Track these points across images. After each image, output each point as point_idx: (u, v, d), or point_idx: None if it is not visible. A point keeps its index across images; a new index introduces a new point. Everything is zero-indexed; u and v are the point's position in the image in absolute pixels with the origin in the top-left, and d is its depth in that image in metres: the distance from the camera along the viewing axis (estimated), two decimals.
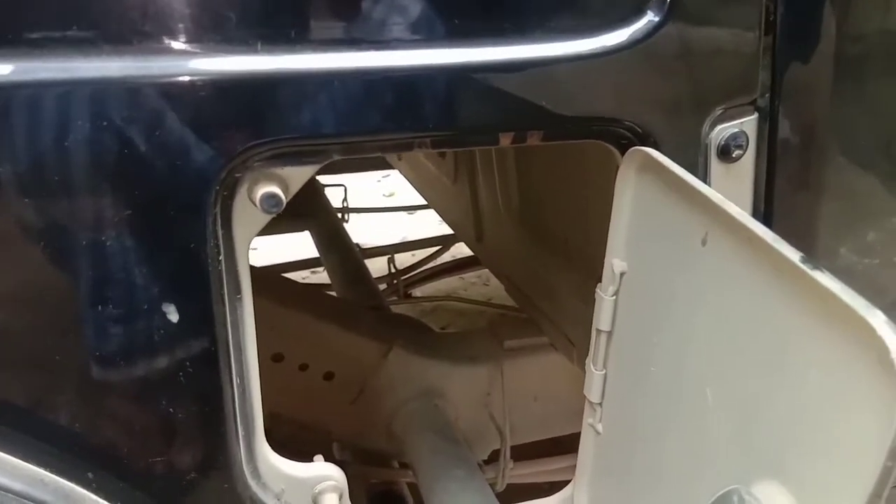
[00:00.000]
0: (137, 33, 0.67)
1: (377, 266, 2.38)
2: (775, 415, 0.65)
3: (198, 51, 0.68)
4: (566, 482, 1.07)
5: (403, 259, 2.53)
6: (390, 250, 2.47)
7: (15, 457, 0.74)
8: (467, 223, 1.76)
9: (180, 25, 0.68)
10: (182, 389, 0.78)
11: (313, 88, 0.72)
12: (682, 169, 0.77)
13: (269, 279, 1.70)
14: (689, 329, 0.77)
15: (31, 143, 0.67)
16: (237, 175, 0.73)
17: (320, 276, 2.68)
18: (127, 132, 0.68)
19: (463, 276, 2.77)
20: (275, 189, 0.74)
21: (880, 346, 0.52)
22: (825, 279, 0.57)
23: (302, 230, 2.32)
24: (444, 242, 2.58)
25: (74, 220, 0.70)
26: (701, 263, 0.74)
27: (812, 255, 1.00)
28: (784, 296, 0.62)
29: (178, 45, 0.68)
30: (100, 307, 0.73)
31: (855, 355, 0.55)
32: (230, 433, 0.81)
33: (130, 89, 0.67)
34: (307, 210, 2.26)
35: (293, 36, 0.71)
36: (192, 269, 0.74)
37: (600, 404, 0.95)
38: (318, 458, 0.91)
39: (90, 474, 0.77)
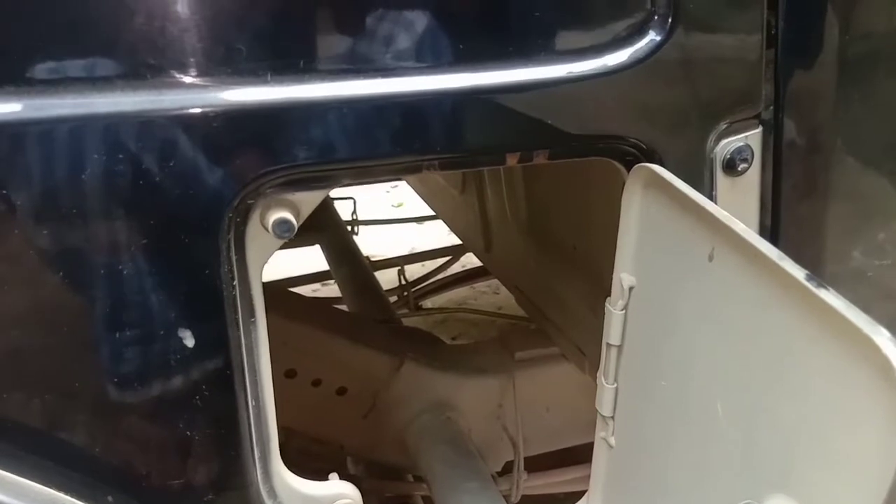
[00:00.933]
0: (150, 68, 0.68)
1: (387, 278, 2.39)
2: (783, 428, 0.66)
3: (210, 83, 0.70)
4: (581, 493, 1.07)
5: (413, 270, 2.55)
6: (400, 262, 2.48)
7: (34, 481, 0.76)
8: (476, 234, 1.77)
9: (192, 59, 0.69)
10: (198, 412, 0.79)
11: (323, 116, 0.74)
12: (688, 186, 0.78)
13: (282, 295, 1.72)
14: (696, 343, 0.78)
15: (50, 176, 0.69)
16: (250, 202, 0.75)
17: (331, 288, 2.69)
18: (142, 164, 0.70)
19: (473, 285, 2.78)
20: (287, 215, 0.75)
21: (884, 364, 0.53)
22: (829, 297, 0.58)
23: (312, 244, 2.34)
24: (453, 253, 2.59)
25: (93, 250, 0.72)
26: (708, 279, 0.75)
27: (821, 264, 1.01)
28: (789, 312, 0.63)
29: (190, 78, 0.70)
30: (117, 333, 0.75)
31: (859, 372, 0.56)
32: (246, 454, 0.82)
33: (145, 123, 0.69)
34: (317, 224, 2.27)
35: (302, 66, 0.72)
36: (207, 294, 0.76)
37: (612, 418, 0.95)
38: (333, 475, 0.92)
39: (109, 497, 0.79)
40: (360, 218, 2.45)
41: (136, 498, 0.79)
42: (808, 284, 0.59)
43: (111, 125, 0.68)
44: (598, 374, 0.96)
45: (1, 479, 0.74)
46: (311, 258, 2.44)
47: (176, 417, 0.79)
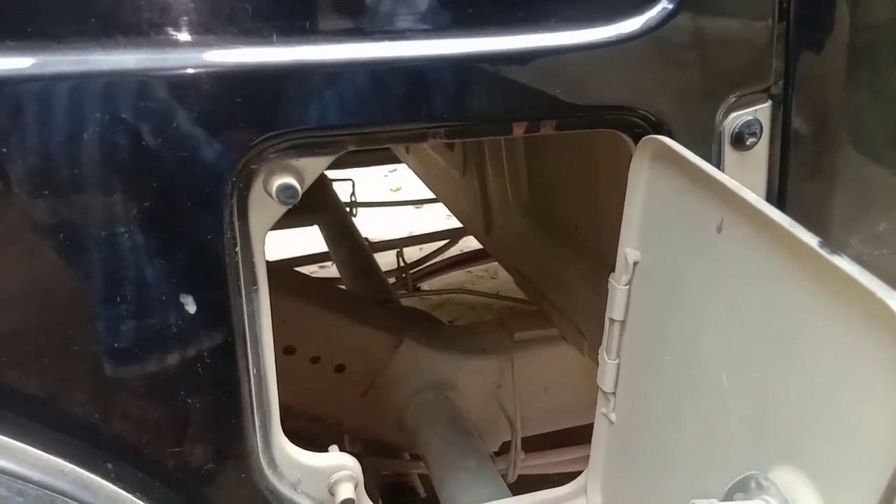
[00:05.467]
0: (154, 26, 0.67)
1: (386, 260, 2.38)
2: (791, 400, 0.65)
3: (214, 43, 0.69)
4: (577, 473, 1.07)
5: (411, 254, 2.54)
6: (399, 244, 2.47)
7: (36, 448, 0.75)
8: (476, 215, 1.76)
9: (197, 17, 0.68)
10: (199, 380, 0.78)
11: (328, 79, 0.72)
12: (697, 157, 0.77)
13: (281, 272, 1.71)
14: (703, 316, 0.77)
15: (51, 136, 0.68)
16: (253, 167, 0.74)
17: (329, 270, 2.68)
18: (144, 124, 0.68)
19: (470, 270, 2.77)
20: (290, 180, 0.74)
21: None
22: (843, 263, 0.57)
23: (311, 224, 2.33)
24: (451, 236, 2.58)
25: (94, 213, 0.71)
26: (716, 250, 0.74)
27: (829, 242, 1.00)
28: (801, 280, 0.62)
29: (194, 37, 0.68)
30: (119, 299, 0.74)
31: (872, 339, 0.56)
32: (247, 423, 0.82)
33: (148, 81, 0.68)
34: (316, 204, 2.26)
35: (308, 27, 0.71)
36: (210, 260, 0.75)
37: (613, 393, 0.95)
38: (333, 448, 0.92)
39: (109, 465, 0.78)
40: (358, 200, 2.44)
41: (135, 465, 0.79)
42: (821, 251, 0.58)
43: (113, 83, 0.67)
44: (600, 350, 0.96)
45: (1, 445, 0.73)
46: (310, 240, 2.43)
47: (177, 385, 0.78)
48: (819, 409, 0.62)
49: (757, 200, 0.67)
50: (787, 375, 0.66)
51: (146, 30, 0.67)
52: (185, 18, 0.68)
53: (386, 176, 3.67)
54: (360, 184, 2.45)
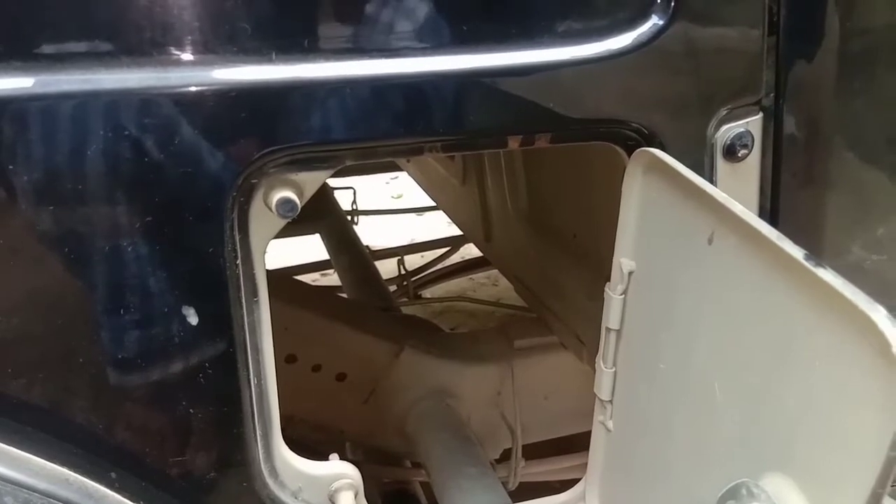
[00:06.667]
0: (156, 45, 0.69)
1: (387, 268, 2.40)
2: (781, 409, 0.66)
3: (215, 61, 0.70)
4: (577, 480, 1.08)
5: (413, 261, 2.55)
6: (400, 252, 2.49)
7: (41, 457, 0.77)
8: (476, 224, 1.77)
9: (198, 37, 0.70)
10: (201, 390, 0.80)
11: (326, 96, 0.74)
12: (688, 169, 0.78)
13: (283, 281, 1.72)
14: (696, 326, 0.79)
15: (55, 153, 0.69)
16: (253, 181, 0.75)
17: (330, 278, 2.70)
18: (147, 141, 0.70)
19: (472, 277, 2.79)
20: (290, 194, 0.76)
21: (881, 341, 0.53)
22: (828, 276, 0.58)
23: (312, 233, 2.34)
24: (453, 244, 2.59)
25: (98, 227, 0.72)
26: (707, 261, 0.75)
27: (820, 252, 1.01)
28: (788, 292, 0.64)
29: (195, 56, 0.70)
30: (122, 311, 0.75)
31: (858, 349, 0.57)
32: (248, 433, 0.83)
33: (150, 100, 0.69)
34: (317, 213, 2.28)
35: (306, 45, 0.73)
36: (211, 272, 0.76)
37: (610, 401, 0.96)
38: (334, 456, 0.93)
39: (113, 474, 0.80)
40: (359, 208, 2.46)
41: (139, 474, 0.80)
42: (807, 263, 0.60)
43: (117, 102, 0.69)
44: (596, 359, 0.97)
45: (7, 455, 0.75)
46: (312, 248, 2.44)
47: (179, 395, 0.79)
48: (809, 417, 0.64)
49: (745, 213, 0.68)
50: (777, 384, 0.67)
51: (148, 49, 0.69)
52: (187, 38, 0.70)
53: (387, 183, 3.69)
54: (361, 192, 2.47)
